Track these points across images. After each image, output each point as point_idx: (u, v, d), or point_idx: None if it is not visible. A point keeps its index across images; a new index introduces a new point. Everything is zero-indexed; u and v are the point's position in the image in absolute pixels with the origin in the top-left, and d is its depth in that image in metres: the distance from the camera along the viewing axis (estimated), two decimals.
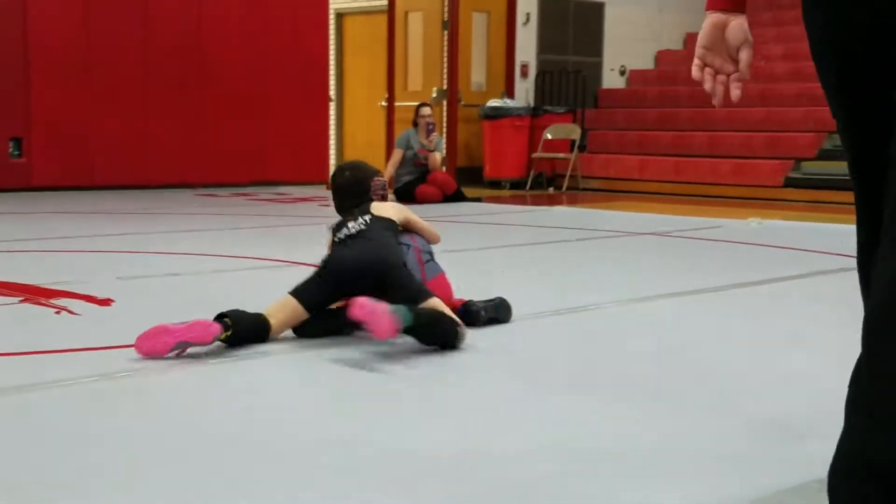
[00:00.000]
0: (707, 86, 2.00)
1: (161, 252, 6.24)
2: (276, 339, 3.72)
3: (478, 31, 13.64)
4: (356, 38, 15.62)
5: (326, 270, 3.84)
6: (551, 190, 12.74)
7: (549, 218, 9.04)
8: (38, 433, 2.70)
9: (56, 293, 4.63)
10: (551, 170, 13.17)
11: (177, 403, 3.01)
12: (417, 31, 13.61)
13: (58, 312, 4.25)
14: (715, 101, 2.01)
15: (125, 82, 11.47)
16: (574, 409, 2.99)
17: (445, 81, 13.29)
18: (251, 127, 12.35)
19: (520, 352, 3.76)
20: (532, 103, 13.66)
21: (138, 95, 11.57)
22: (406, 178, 10.56)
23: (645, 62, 15.08)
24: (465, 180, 12.43)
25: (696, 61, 2.00)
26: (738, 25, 2.03)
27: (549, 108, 13.43)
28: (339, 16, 15.60)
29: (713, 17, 2.02)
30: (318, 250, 4.21)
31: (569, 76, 13.88)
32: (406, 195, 10.19)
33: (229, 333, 3.55)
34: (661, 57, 15.18)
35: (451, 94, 13.20)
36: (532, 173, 12.97)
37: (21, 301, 4.49)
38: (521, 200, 11.36)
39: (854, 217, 2.37)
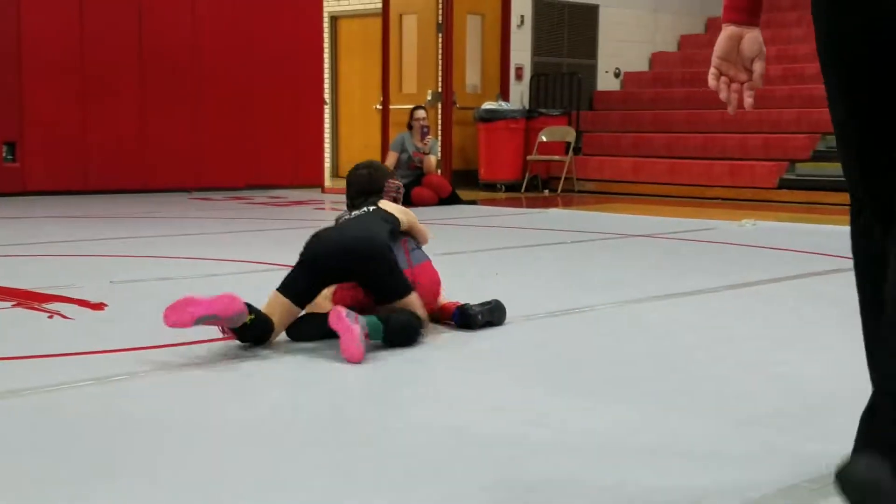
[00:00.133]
0: (723, 95, 2.16)
1: (155, 256, 6.23)
2: (269, 345, 3.71)
3: (472, 34, 13.64)
4: (351, 41, 15.63)
5: (307, 252, 3.83)
6: (546, 192, 12.74)
7: (544, 220, 9.04)
8: (31, 438, 2.69)
9: (49, 298, 4.63)
10: (546, 172, 13.17)
11: (169, 407, 3.01)
12: (412, 33, 13.61)
13: (50, 317, 4.24)
14: (730, 109, 2.17)
15: (120, 86, 11.45)
16: (571, 406, 2.98)
17: (440, 84, 13.29)
18: (246, 130, 12.34)
19: (513, 353, 3.76)
20: (527, 106, 13.67)
21: (133, 99, 11.56)
22: (401, 181, 10.54)
23: (639, 64, 15.09)
24: (461, 183, 12.44)
25: (712, 70, 2.16)
26: (752, 38, 2.14)
27: (543, 110, 13.43)
28: (334, 19, 15.61)
29: (729, 30, 2.14)
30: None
31: (563, 78, 13.89)
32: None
33: (252, 318, 3.55)
34: (655, 59, 15.19)
35: (446, 97, 13.21)
36: (527, 176, 12.97)
37: (13, 305, 4.48)
38: (517, 203, 11.36)
39: (848, 218, 2.40)
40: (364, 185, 4.25)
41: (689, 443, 2.69)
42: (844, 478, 1.96)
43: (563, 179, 12.75)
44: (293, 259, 3.90)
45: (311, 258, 3.81)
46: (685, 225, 8.46)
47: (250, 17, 12.32)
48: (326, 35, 14.67)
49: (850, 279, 2.47)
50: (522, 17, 13.78)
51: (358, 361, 3.47)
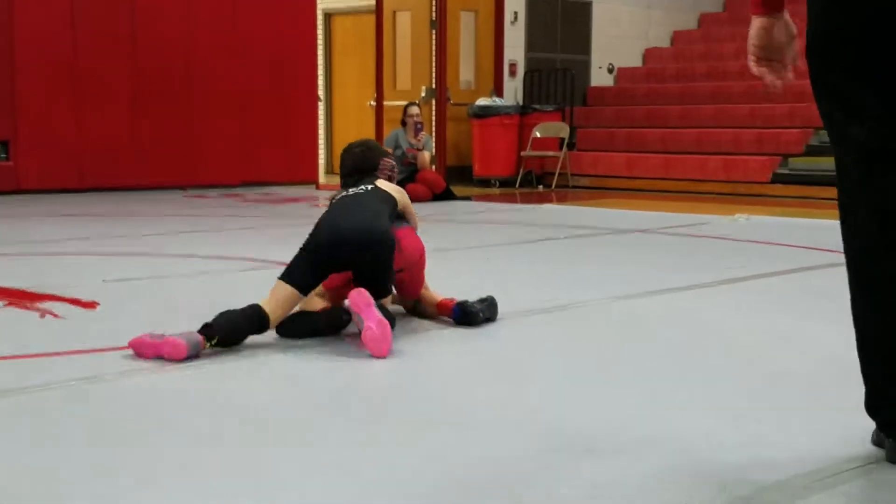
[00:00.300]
0: (767, 79, 2.41)
1: (148, 254, 6.22)
2: (255, 344, 3.71)
3: (466, 30, 13.63)
4: (345, 38, 15.62)
5: (314, 239, 3.83)
6: (540, 188, 12.74)
7: (539, 216, 9.04)
8: (23, 437, 2.69)
9: (41, 297, 4.62)
10: (540, 168, 13.17)
11: (161, 406, 3.00)
12: (405, 30, 13.60)
13: (42, 316, 4.23)
14: (774, 89, 2.44)
15: (113, 83, 11.43)
16: (567, 402, 2.98)
17: (434, 80, 13.28)
18: (240, 127, 12.32)
19: (508, 349, 3.76)
20: (521, 101, 13.67)
21: (126, 96, 11.54)
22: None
23: (633, 60, 15.09)
24: (455, 179, 12.44)
25: (751, 59, 2.39)
26: (782, 25, 2.39)
27: (537, 106, 13.43)
28: (328, 16, 15.59)
29: (759, 21, 2.38)
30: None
31: (557, 74, 13.88)
32: None
33: (213, 343, 3.53)
34: (648, 55, 15.19)
35: (440, 93, 13.20)
36: (521, 171, 12.97)
37: (5, 305, 4.47)
38: (511, 199, 11.35)
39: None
40: (358, 162, 4.26)
41: (682, 436, 2.69)
42: None
43: (557, 175, 12.75)
44: (287, 256, 3.90)
45: (317, 247, 3.81)
46: (679, 220, 8.47)
47: (244, 14, 12.30)
48: (320, 32, 14.65)
49: (843, 273, 2.47)
50: (516, 13, 13.78)
51: (384, 355, 3.48)
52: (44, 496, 2.26)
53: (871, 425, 2.53)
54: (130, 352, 3.51)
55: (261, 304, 3.69)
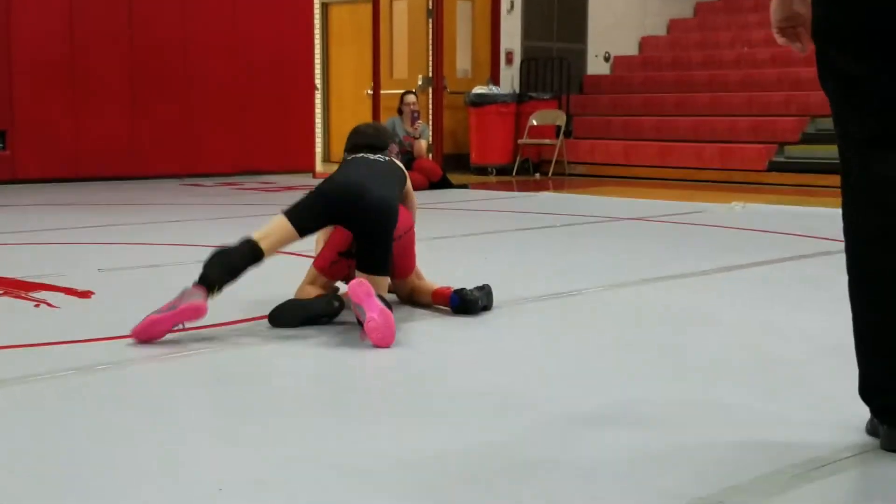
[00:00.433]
0: (795, 46, 2.57)
1: (143, 243, 6.21)
2: (248, 333, 3.70)
3: (462, 19, 13.61)
4: (341, 28, 15.58)
5: (328, 185, 3.89)
6: (537, 176, 12.74)
7: (535, 204, 9.03)
8: (18, 427, 2.69)
9: (36, 286, 4.61)
10: (537, 156, 13.16)
11: (156, 398, 3.00)
12: (402, 19, 13.58)
13: (37, 305, 4.23)
14: (803, 50, 2.57)
15: (110, 72, 11.39)
16: (562, 389, 2.98)
17: (431, 69, 13.26)
18: (237, 116, 12.30)
19: (504, 337, 3.76)
20: (517, 90, 13.65)
21: (123, 85, 11.51)
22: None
23: (629, 48, 15.07)
24: (452, 167, 12.43)
25: (775, 31, 2.58)
26: None
27: (534, 94, 13.42)
28: (325, 5, 15.55)
29: None
30: (301, 240, 4.18)
31: (553, 63, 13.86)
32: None
33: (216, 291, 3.59)
34: (645, 43, 15.18)
35: (437, 82, 13.18)
36: (518, 159, 12.96)
37: (0, 295, 4.47)
38: (508, 186, 11.35)
39: (839, 200, 2.43)
40: (371, 139, 4.25)
41: (675, 424, 2.69)
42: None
43: (553, 163, 12.74)
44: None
45: (328, 192, 3.86)
46: (675, 208, 8.46)
47: (241, 5, 12.26)
48: (317, 21, 14.61)
49: (839, 261, 2.48)
50: (512, 1, 13.75)
51: (389, 345, 3.48)
52: (40, 488, 2.26)
53: (865, 414, 2.53)
54: (131, 341, 3.49)
55: (255, 237, 3.71)
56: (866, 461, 2.40)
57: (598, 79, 14.48)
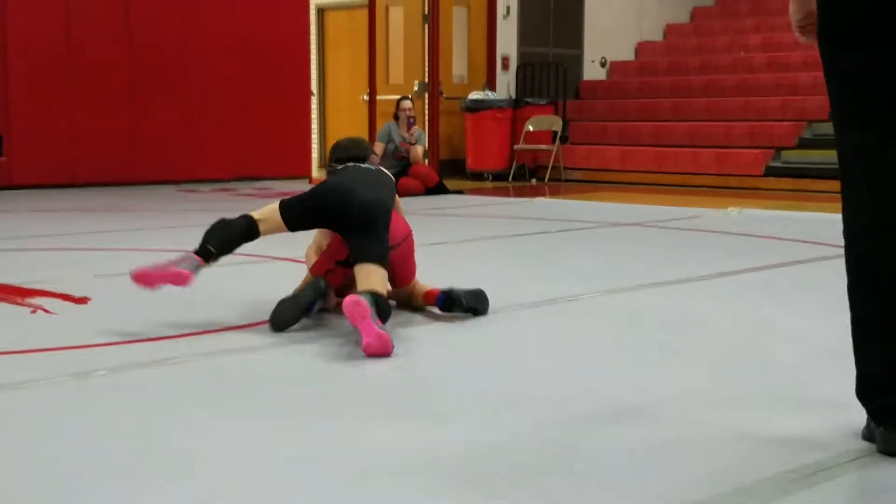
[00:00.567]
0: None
1: (140, 249, 6.20)
2: (248, 337, 3.70)
3: (458, 24, 13.62)
4: (337, 33, 15.60)
5: (320, 187, 4.04)
6: (533, 181, 12.74)
7: (531, 209, 9.04)
8: (16, 433, 2.68)
9: (32, 292, 4.60)
10: (533, 161, 13.17)
11: (153, 402, 3.00)
12: (398, 24, 13.59)
13: (33, 311, 4.22)
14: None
15: (107, 78, 11.39)
16: (558, 392, 2.98)
17: (427, 74, 13.27)
18: (234, 122, 12.30)
19: (499, 341, 3.76)
20: (513, 95, 13.66)
21: (120, 91, 11.50)
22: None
23: (625, 53, 15.09)
24: (448, 173, 12.44)
25: (796, 30, 2.63)
26: None
27: (530, 99, 13.42)
28: (321, 10, 15.58)
29: None
30: (297, 245, 4.20)
31: (549, 68, 13.87)
32: None
33: (212, 262, 3.87)
34: (641, 48, 15.19)
35: (433, 87, 13.19)
36: (514, 165, 12.97)
37: None
38: (504, 192, 11.35)
39: (836, 206, 2.43)
40: (352, 151, 4.34)
41: (673, 427, 2.69)
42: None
43: (550, 168, 12.75)
44: (278, 248, 3.91)
45: (319, 200, 3.99)
46: (672, 213, 8.47)
47: (238, 10, 12.27)
48: (313, 27, 14.63)
49: (836, 266, 2.48)
50: (508, 7, 13.77)
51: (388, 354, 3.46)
52: (37, 493, 2.26)
53: (862, 419, 2.53)
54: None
55: (254, 215, 3.95)
56: (864, 465, 2.41)
57: (594, 84, 14.50)
